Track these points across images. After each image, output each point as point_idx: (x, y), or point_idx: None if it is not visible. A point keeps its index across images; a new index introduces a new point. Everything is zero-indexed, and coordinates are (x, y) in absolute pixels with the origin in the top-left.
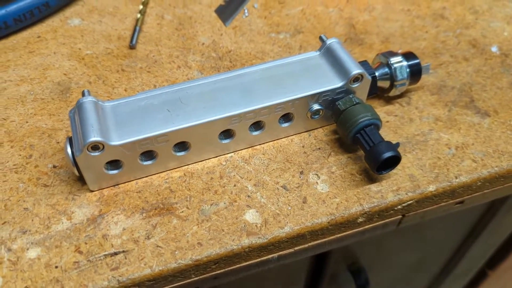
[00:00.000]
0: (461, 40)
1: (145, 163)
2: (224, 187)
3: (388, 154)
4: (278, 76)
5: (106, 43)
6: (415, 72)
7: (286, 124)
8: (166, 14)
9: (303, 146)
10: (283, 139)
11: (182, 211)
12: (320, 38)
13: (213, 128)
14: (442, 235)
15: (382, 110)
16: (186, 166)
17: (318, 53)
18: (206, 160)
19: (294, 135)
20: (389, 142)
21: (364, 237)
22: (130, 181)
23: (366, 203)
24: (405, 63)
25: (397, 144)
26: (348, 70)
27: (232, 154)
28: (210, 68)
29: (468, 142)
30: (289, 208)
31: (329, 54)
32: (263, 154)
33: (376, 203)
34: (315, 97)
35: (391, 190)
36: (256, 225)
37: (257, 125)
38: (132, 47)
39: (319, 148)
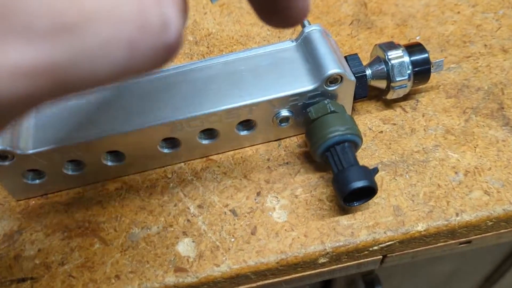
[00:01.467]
0: (502, 24)
1: (72, 173)
2: (162, 206)
3: (357, 185)
4: (238, 72)
5: None
6: (421, 72)
7: (245, 132)
8: None
9: (268, 159)
10: (247, 148)
11: (108, 233)
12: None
13: (150, 136)
14: (467, 266)
15: (377, 117)
16: (127, 176)
17: (294, 43)
18: (150, 171)
19: (261, 144)
20: (363, 168)
21: (337, 276)
22: (62, 190)
23: (330, 242)
24: (407, 58)
25: (375, 170)
26: (323, 69)
27: (182, 164)
28: (182, 54)
29: (484, 166)
30: (233, 240)
31: (307, 46)
32: (218, 166)
33: (342, 243)
34: (280, 101)
35: (366, 226)
36: (188, 259)
37: (208, 133)
38: None
39: (286, 163)
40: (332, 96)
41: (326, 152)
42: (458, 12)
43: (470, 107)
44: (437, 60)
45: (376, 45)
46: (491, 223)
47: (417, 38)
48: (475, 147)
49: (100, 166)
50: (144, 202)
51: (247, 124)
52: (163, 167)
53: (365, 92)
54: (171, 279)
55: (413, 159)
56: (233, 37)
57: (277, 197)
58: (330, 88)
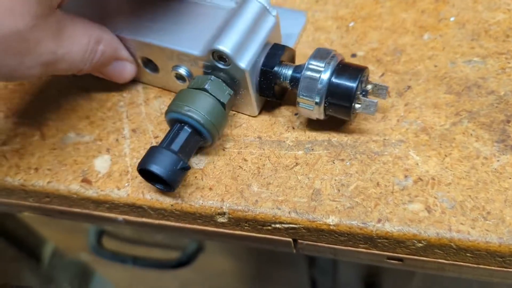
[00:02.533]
0: None
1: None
2: (103, 120)
3: (147, 167)
4: (171, 10)
5: None
6: (337, 104)
7: (149, 71)
8: None
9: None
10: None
11: (50, 131)
12: None
13: None
14: None
15: None
16: (92, 85)
17: (233, 6)
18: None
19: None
20: (172, 157)
21: (254, 245)
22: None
23: (230, 202)
24: (326, 76)
25: (185, 166)
26: (215, 41)
27: (141, 88)
28: None
29: (443, 179)
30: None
31: (235, 14)
32: (170, 98)
33: (241, 207)
34: (170, 54)
35: (274, 199)
36: (97, 174)
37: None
38: None
39: (233, 114)
40: (230, 78)
41: (173, 122)
42: None
43: (468, 110)
44: (368, 99)
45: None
46: (420, 244)
47: (451, 19)
48: (445, 156)
49: None
50: (92, 112)
51: (151, 64)
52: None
53: (270, 91)
54: (75, 186)
55: (366, 147)
56: None
57: None
58: (219, 65)
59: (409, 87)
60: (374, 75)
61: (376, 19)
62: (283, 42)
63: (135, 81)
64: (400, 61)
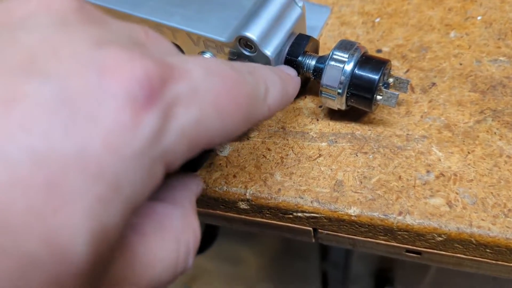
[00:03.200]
0: None
1: None
2: None
3: None
4: None
5: None
6: (358, 95)
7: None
8: None
9: None
10: None
11: None
12: None
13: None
14: None
15: None
16: None
17: None
18: None
19: None
20: None
21: (271, 233)
22: None
23: (253, 189)
24: (349, 67)
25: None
26: (242, 28)
27: None
28: None
29: (465, 175)
30: None
31: (266, 2)
32: None
33: (265, 195)
34: (196, 39)
35: (297, 188)
36: None
37: None
38: None
39: None
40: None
41: None
42: None
43: (493, 108)
44: (389, 91)
45: (342, 39)
46: (440, 238)
47: (478, 18)
48: (468, 153)
49: None
50: None
51: (179, 48)
52: None
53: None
54: None
55: (389, 142)
56: None
57: None
58: (245, 52)
59: (433, 84)
60: (399, 71)
61: (403, 16)
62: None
63: None
64: (425, 58)
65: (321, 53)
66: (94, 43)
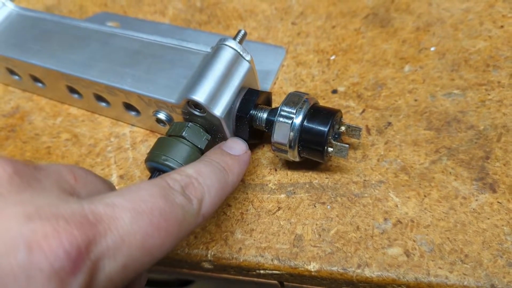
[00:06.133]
0: None
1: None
2: (92, 167)
3: None
4: (142, 56)
5: None
6: (310, 148)
7: (133, 114)
8: None
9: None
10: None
11: None
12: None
13: (55, 77)
14: None
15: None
16: (79, 129)
17: (208, 51)
18: (98, 129)
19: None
20: None
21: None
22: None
23: (214, 250)
24: (298, 120)
25: None
26: (189, 90)
27: (128, 131)
28: (181, 20)
29: (422, 221)
30: None
31: (209, 60)
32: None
33: (226, 255)
34: (148, 101)
35: (257, 246)
36: None
37: (100, 97)
38: None
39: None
40: (207, 124)
41: (152, 170)
42: (501, 27)
43: (448, 146)
44: (339, 144)
45: (291, 92)
46: None
47: (432, 49)
48: (425, 196)
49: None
50: (81, 158)
51: (133, 108)
52: (114, 126)
53: (245, 134)
54: None
55: (347, 189)
56: (237, 10)
57: None
58: (196, 112)
59: (389, 123)
60: (355, 112)
61: (357, 51)
62: (262, 79)
63: (122, 124)
64: (380, 96)
65: (278, 97)
66: (24, 217)
